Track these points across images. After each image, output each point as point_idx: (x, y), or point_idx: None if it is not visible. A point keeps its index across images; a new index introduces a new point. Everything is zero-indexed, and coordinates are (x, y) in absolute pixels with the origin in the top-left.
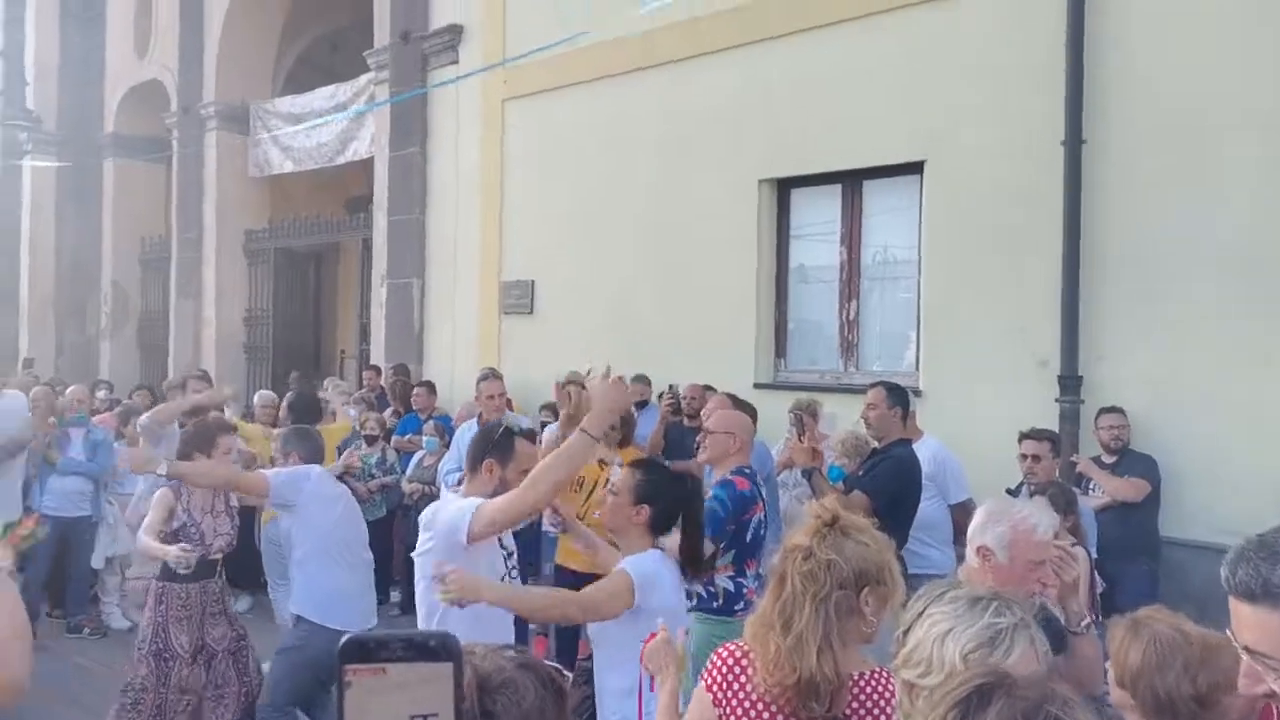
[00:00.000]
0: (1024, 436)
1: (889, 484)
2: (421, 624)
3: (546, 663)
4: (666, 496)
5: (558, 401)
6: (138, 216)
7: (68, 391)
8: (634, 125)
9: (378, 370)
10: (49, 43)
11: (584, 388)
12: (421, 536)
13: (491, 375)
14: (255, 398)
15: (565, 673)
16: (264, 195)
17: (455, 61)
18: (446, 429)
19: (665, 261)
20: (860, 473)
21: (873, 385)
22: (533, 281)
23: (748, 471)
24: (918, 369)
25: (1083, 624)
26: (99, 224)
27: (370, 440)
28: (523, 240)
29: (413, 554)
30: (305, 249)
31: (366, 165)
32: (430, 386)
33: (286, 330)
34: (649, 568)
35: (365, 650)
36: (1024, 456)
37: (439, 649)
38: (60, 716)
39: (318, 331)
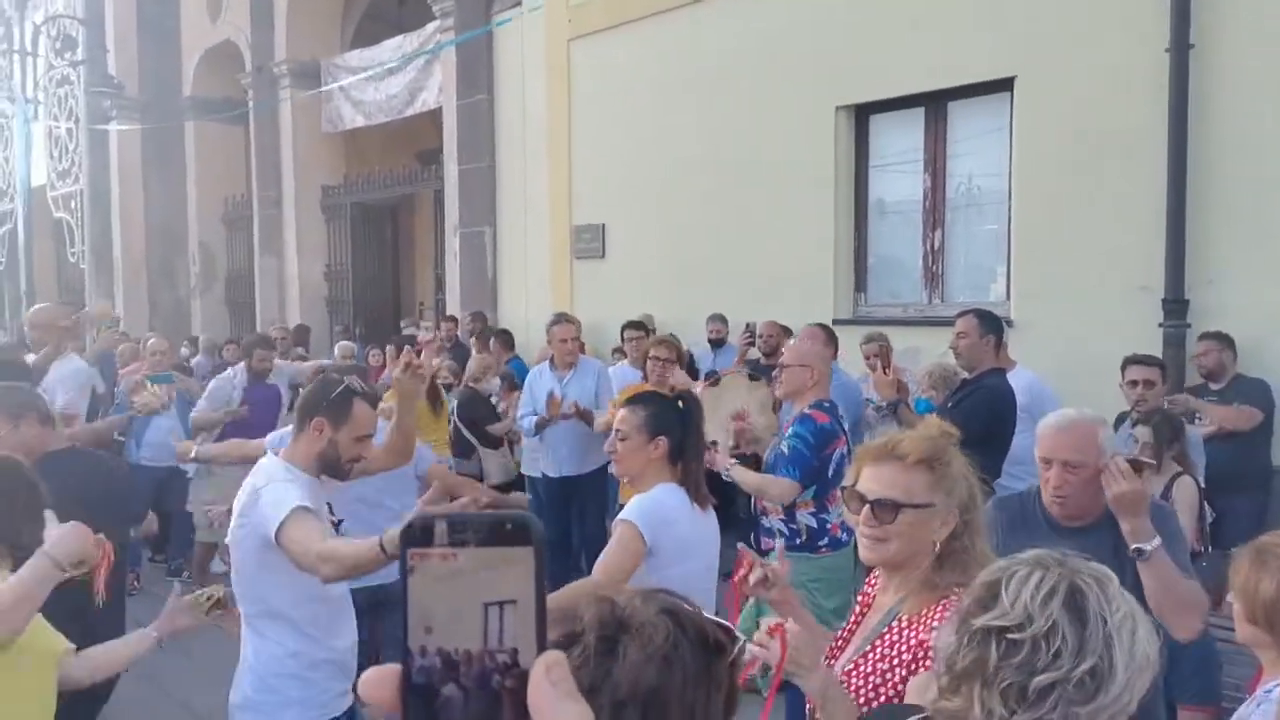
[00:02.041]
0: (1129, 362)
1: (981, 415)
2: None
3: (709, 616)
4: (679, 422)
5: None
6: (220, 177)
7: (148, 344)
8: (703, 58)
9: (455, 320)
10: (126, 10)
11: (648, 334)
12: (236, 516)
13: (563, 319)
14: (335, 349)
15: (729, 628)
16: (338, 151)
17: (518, 3)
18: (519, 375)
19: (739, 197)
20: (949, 404)
21: (962, 313)
22: (603, 225)
23: (826, 405)
24: (1008, 299)
25: (1147, 546)
26: (184, 186)
27: (447, 388)
28: (592, 183)
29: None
30: (380, 203)
31: (435, 116)
32: (506, 334)
33: (365, 284)
34: (649, 505)
35: (431, 533)
36: (1133, 383)
37: (517, 532)
38: (162, 655)
39: (396, 284)
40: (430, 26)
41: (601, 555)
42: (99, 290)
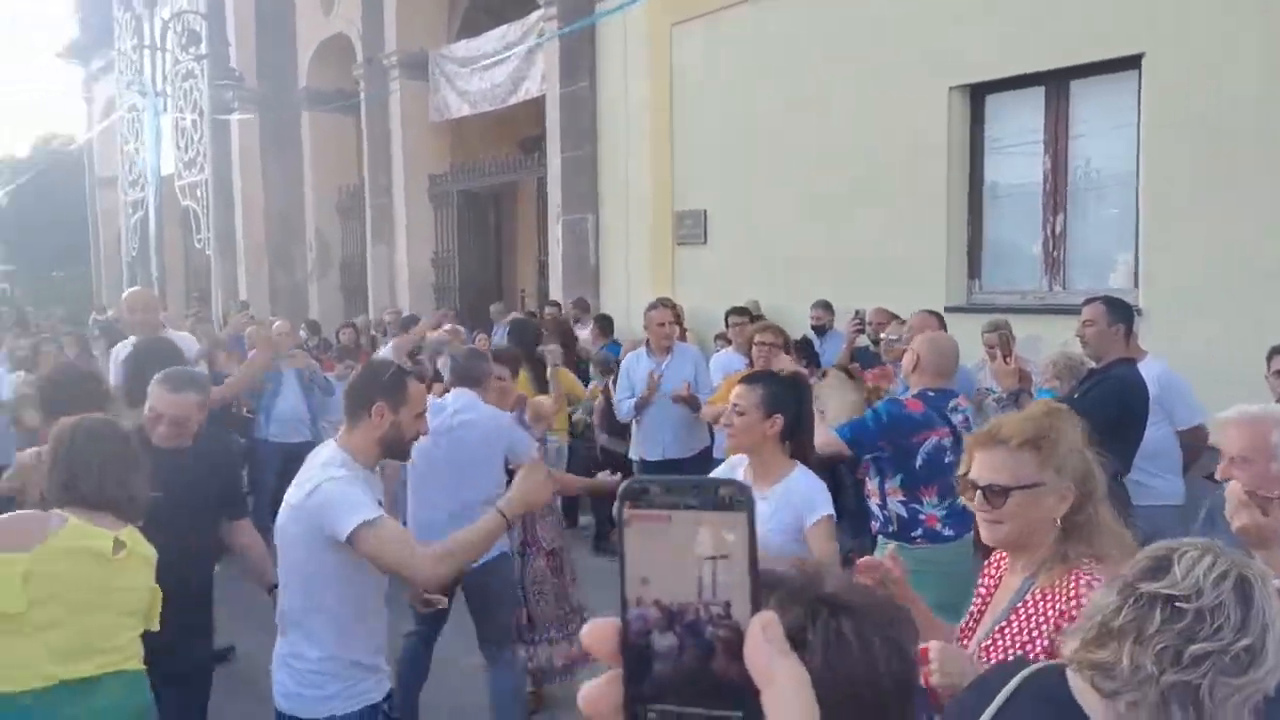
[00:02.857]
0: (1276, 352)
1: (1110, 406)
2: (289, 596)
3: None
4: (794, 401)
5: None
6: (334, 166)
7: (275, 326)
8: (808, 39)
9: (558, 305)
10: (245, 4)
11: (752, 320)
12: (290, 506)
13: (660, 304)
14: (437, 331)
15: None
16: (444, 140)
17: None
18: (614, 359)
19: (846, 181)
20: (1076, 395)
21: (1089, 301)
22: (705, 210)
23: (931, 394)
24: (1136, 286)
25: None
26: (300, 175)
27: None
28: (694, 169)
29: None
30: (484, 190)
31: (538, 104)
32: (605, 319)
33: (470, 270)
34: (820, 485)
35: (648, 495)
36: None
37: (731, 498)
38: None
39: (499, 270)
40: (534, 15)
41: (819, 555)
42: (223, 276)
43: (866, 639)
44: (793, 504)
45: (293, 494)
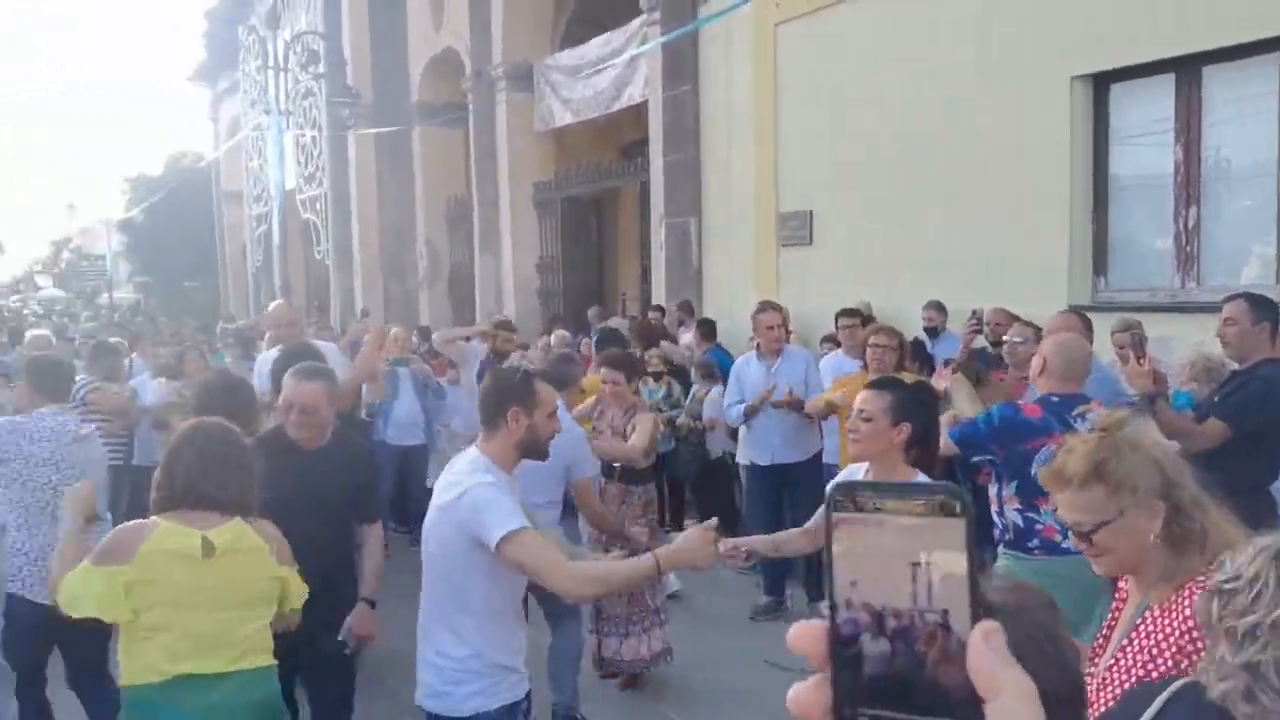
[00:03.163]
0: None
1: (1255, 410)
2: (436, 596)
3: None
4: (923, 410)
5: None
6: (443, 178)
7: (391, 332)
8: (918, 31)
9: (661, 309)
10: (360, 24)
11: (864, 323)
12: (437, 510)
13: (769, 306)
14: (551, 337)
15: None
16: (548, 148)
17: None
18: (721, 364)
19: (959, 177)
20: (1216, 399)
21: (1230, 298)
22: (810, 211)
23: (1054, 400)
24: (1277, 281)
25: None
26: (412, 187)
27: (656, 376)
28: (799, 169)
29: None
30: (586, 196)
31: (638, 111)
32: (707, 322)
33: (573, 275)
34: None
35: (859, 498)
36: None
37: (946, 503)
38: (405, 611)
39: (600, 274)
40: (636, 22)
41: None
42: (341, 285)
43: (1033, 650)
44: None
45: (441, 496)
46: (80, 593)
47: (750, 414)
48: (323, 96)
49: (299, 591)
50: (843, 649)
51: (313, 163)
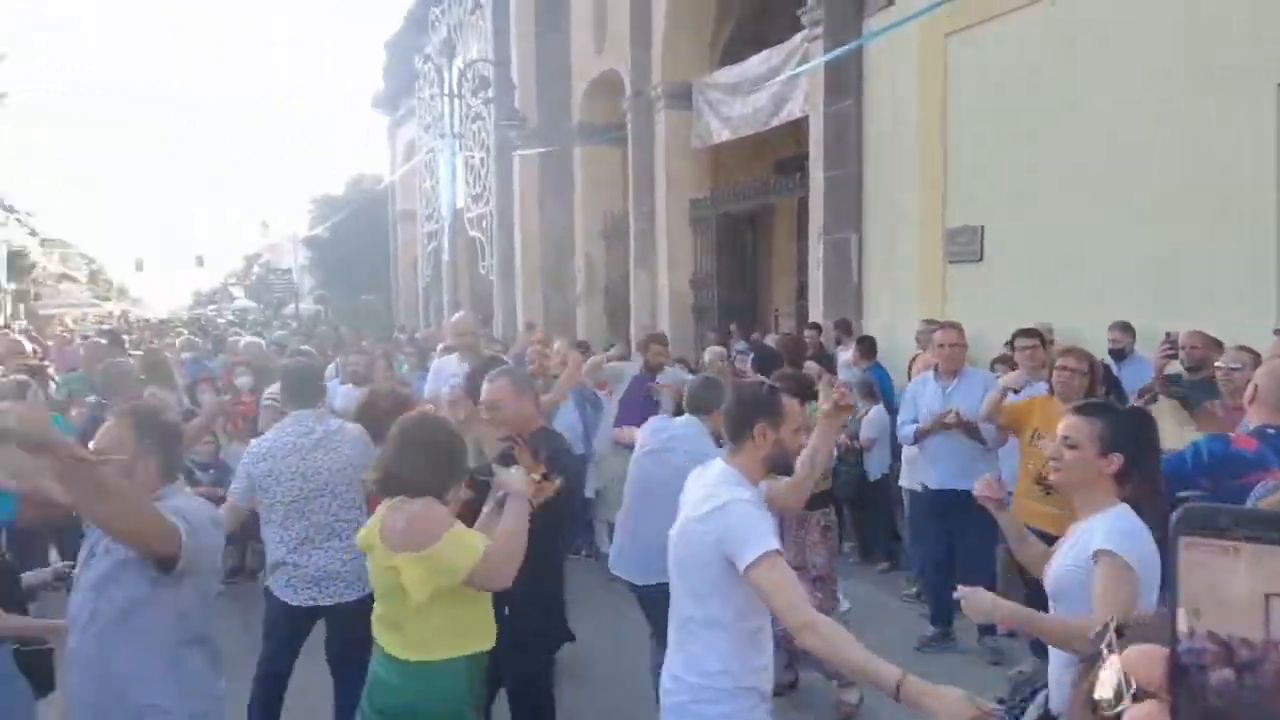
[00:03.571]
0: None
1: None
2: (686, 607)
3: None
4: (1137, 439)
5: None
6: (601, 195)
7: (555, 347)
8: (1102, 37)
9: (818, 327)
10: (528, 49)
11: (1044, 344)
12: (694, 511)
13: (947, 325)
14: (705, 353)
15: None
16: (704, 166)
17: (890, 3)
18: (881, 383)
19: (1149, 191)
20: None
21: None
22: (981, 227)
23: (1270, 432)
24: None
25: None
26: (571, 205)
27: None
28: (968, 183)
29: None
30: (741, 213)
31: (794, 127)
32: (868, 340)
33: (727, 291)
34: (1127, 528)
35: (1215, 523)
36: None
37: None
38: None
39: (754, 290)
40: (797, 37)
41: (1094, 597)
42: (504, 299)
43: None
44: (1085, 542)
45: (695, 508)
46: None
47: (922, 435)
48: (491, 120)
49: (490, 584)
50: (1184, 677)
51: (480, 183)
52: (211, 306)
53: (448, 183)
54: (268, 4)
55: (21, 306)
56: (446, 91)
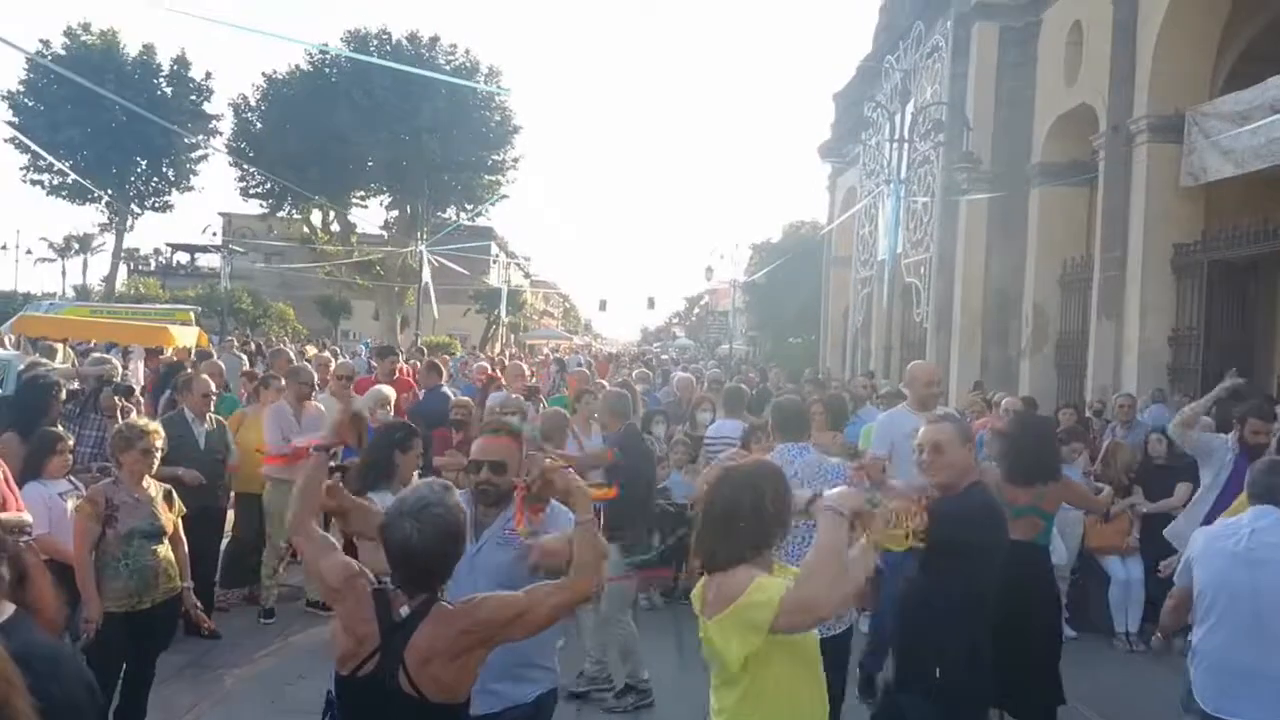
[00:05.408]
0: None
1: None
2: None
3: None
4: None
5: None
6: (1058, 240)
7: (1004, 402)
8: None
9: None
10: (986, 87)
11: None
12: None
13: None
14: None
15: None
16: (1194, 206)
17: None
18: None
19: None
20: None
21: None
22: None
23: None
24: None
25: None
26: (1022, 250)
27: None
28: None
29: None
30: (1242, 260)
31: None
32: None
33: (1217, 350)
34: None
35: None
36: None
37: None
38: None
39: (1251, 349)
40: None
41: None
42: (938, 347)
43: None
44: None
45: None
46: None
47: None
48: (939, 163)
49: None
50: None
51: (921, 228)
52: (657, 344)
53: (890, 228)
54: (710, 62)
55: (513, 336)
56: (895, 137)
